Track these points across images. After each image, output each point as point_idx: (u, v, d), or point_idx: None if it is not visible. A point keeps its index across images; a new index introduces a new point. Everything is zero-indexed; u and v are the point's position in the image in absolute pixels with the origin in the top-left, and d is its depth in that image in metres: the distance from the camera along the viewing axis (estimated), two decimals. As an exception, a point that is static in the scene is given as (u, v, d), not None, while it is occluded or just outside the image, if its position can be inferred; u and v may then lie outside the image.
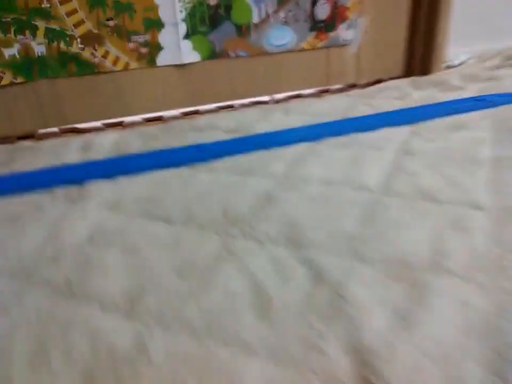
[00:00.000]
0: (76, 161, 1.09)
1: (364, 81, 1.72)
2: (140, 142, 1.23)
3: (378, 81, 1.73)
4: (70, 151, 1.18)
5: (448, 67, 1.81)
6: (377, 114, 1.28)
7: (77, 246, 0.64)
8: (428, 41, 1.69)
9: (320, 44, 1.59)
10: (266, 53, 1.54)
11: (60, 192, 0.84)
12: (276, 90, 1.63)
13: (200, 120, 1.39)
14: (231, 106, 1.58)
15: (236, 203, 0.74)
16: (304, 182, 0.81)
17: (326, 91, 1.70)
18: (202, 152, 1.03)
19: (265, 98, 1.62)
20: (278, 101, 1.62)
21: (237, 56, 1.50)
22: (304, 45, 1.57)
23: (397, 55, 1.75)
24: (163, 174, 0.90)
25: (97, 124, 1.44)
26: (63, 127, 1.41)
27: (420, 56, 1.73)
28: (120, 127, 1.46)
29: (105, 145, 1.21)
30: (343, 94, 1.60)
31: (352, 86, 1.73)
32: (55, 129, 1.40)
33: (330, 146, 1.01)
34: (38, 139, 1.38)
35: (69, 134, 1.42)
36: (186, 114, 1.54)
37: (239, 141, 1.14)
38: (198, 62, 1.47)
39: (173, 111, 1.51)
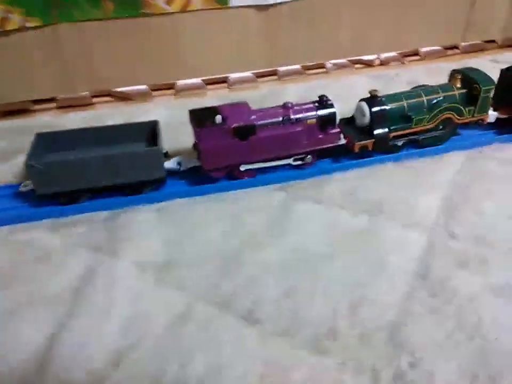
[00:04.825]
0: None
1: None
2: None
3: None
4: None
5: None
6: None
7: None
8: None
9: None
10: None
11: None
12: (396, 47, 1.15)
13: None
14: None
15: None
16: None
17: (455, 48, 1.21)
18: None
19: (371, 57, 1.15)
20: (384, 63, 1.15)
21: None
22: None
23: None
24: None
25: (142, 87, 1.03)
26: (95, 90, 1.01)
27: None
28: (171, 91, 1.05)
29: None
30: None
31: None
32: (84, 93, 1.00)
33: None
34: (60, 108, 0.99)
35: (105, 100, 1.02)
36: (261, 76, 1.10)
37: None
38: (289, 1, 0.99)
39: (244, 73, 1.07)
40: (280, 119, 0.67)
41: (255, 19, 0.99)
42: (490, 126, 0.79)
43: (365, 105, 0.70)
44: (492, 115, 0.78)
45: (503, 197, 0.65)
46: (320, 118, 0.68)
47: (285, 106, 0.68)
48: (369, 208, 0.63)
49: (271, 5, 0.98)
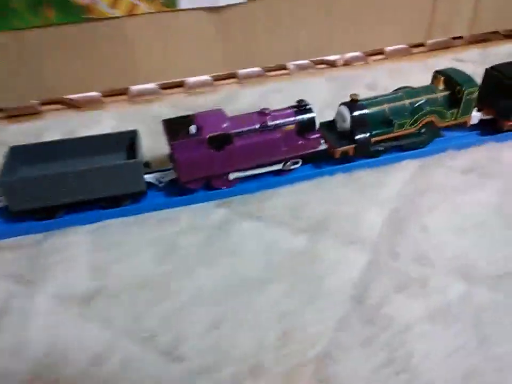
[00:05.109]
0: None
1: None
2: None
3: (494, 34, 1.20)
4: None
5: None
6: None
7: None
8: None
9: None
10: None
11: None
12: (359, 46, 1.11)
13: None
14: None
15: None
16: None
17: (421, 46, 1.18)
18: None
19: (334, 57, 1.12)
20: (348, 63, 1.12)
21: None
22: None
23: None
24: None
25: (92, 94, 0.99)
26: (44, 99, 0.97)
27: None
28: (124, 97, 1.01)
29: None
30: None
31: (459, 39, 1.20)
32: (33, 102, 0.96)
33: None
34: (9, 118, 0.95)
35: (55, 108, 0.98)
36: (220, 79, 1.07)
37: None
38: (241, 4, 0.95)
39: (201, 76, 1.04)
40: (257, 126, 0.64)
41: (207, 21, 0.96)
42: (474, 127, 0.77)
43: (345, 110, 0.68)
44: (475, 116, 0.75)
45: (450, 210, 0.63)
46: (299, 124, 0.66)
47: (261, 113, 0.65)
48: (312, 225, 0.61)
49: (222, 7, 0.94)
